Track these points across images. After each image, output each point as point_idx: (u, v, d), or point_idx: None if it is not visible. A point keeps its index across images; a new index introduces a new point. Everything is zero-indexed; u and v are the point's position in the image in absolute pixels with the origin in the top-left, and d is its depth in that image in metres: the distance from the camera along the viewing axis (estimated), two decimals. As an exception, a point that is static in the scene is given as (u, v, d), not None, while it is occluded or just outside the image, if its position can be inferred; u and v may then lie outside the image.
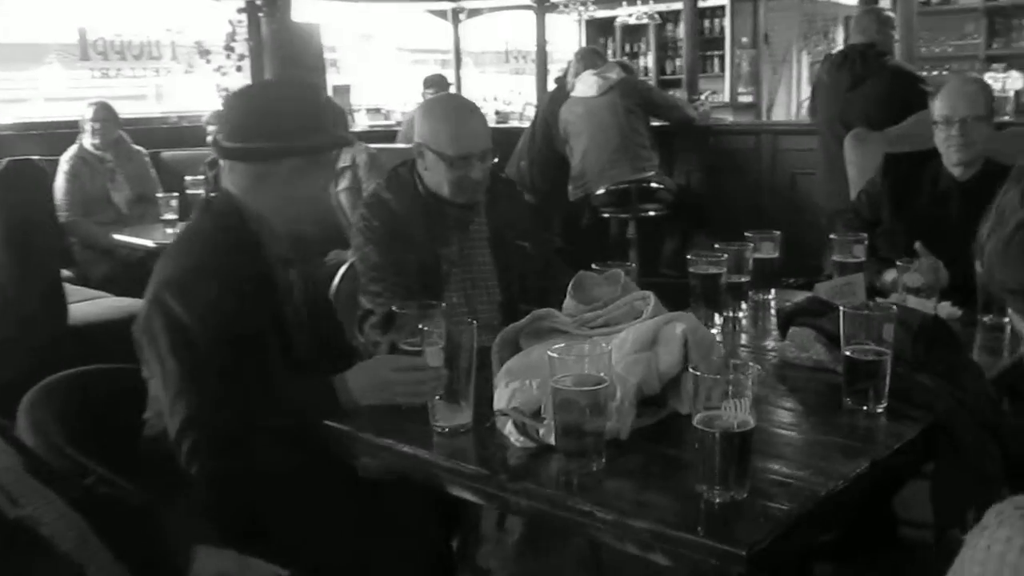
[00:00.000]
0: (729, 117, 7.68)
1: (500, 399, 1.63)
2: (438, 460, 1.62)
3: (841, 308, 1.82)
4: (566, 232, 5.89)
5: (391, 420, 1.77)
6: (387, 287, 2.51)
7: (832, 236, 2.74)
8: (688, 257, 2.41)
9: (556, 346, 1.52)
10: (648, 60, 9.43)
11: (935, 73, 7.46)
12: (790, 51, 8.48)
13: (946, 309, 2.48)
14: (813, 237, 3.56)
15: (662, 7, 8.19)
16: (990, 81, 5.67)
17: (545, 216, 5.99)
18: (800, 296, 2.52)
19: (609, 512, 1.38)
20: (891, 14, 5.14)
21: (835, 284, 2.50)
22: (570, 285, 1.89)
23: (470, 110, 2.60)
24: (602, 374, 1.48)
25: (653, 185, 5.45)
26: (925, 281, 2.51)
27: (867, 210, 3.24)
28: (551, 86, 6.57)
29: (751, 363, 1.52)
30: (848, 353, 1.76)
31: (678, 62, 8.62)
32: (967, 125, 2.97)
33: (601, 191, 5.51)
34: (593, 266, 2.21)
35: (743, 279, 2.50)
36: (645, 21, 7.61)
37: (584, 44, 9.39)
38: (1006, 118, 5.12)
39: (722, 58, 8.73)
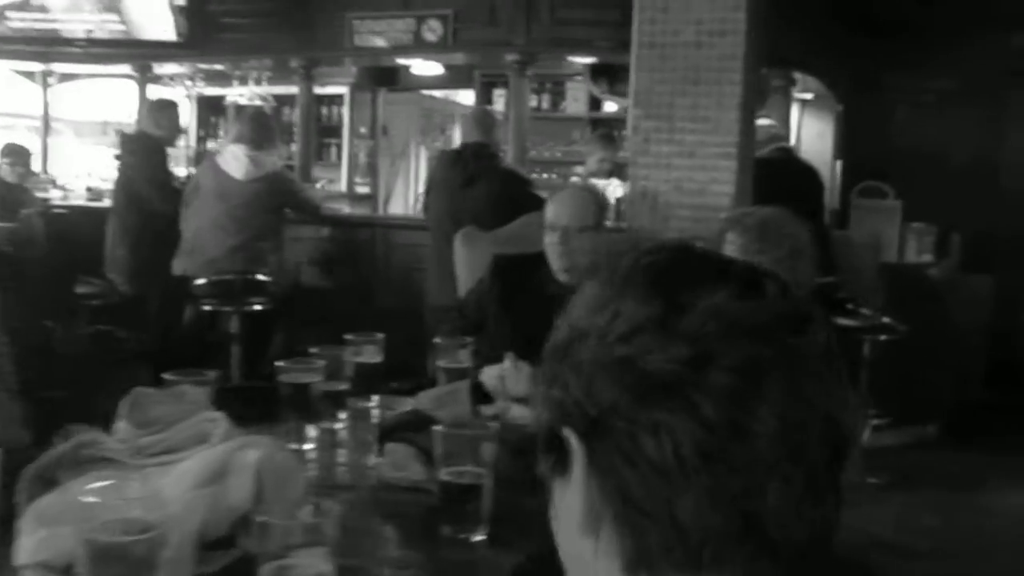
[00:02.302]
0: (346, 208, 7.67)
1: (24, 552, 1.35)
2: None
3: (433, 428, 1.73)
4: (164, 326, 5.52)
5: None
6: None
7: (436, 340, 2.68)
8: (276, 364, 2.24)
9: (96, 485, 1.28)
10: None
11: (544, 176, 7.97)
12: (408, 144, 8.66)
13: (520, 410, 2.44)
14: (428, 335, 3.54)
15: (279, 90, 8.06)
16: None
17: (139, 307, 5.58)
18: (407, 404, 2.39)
19: None
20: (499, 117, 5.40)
21: (439, 393, 2.43)
22: (124, 404, 1.64)
23: None
24: (154, 517, 1.25)
25: (260, 278, 5.22)
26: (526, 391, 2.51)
27: (473, 311, 3.25)
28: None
29: (333, 501, 1.37)
30: (443, 476, 1.67)
31: (293, 147, 8.54)
32: (570, 234, 3.07)
33: (203, 280, 5.20)
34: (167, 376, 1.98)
35: (341, 386, 2.35)
36: (258, 103, 7.45)
37: (195, 121, 9.07)
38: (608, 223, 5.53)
39: (340, 147, 8.73)
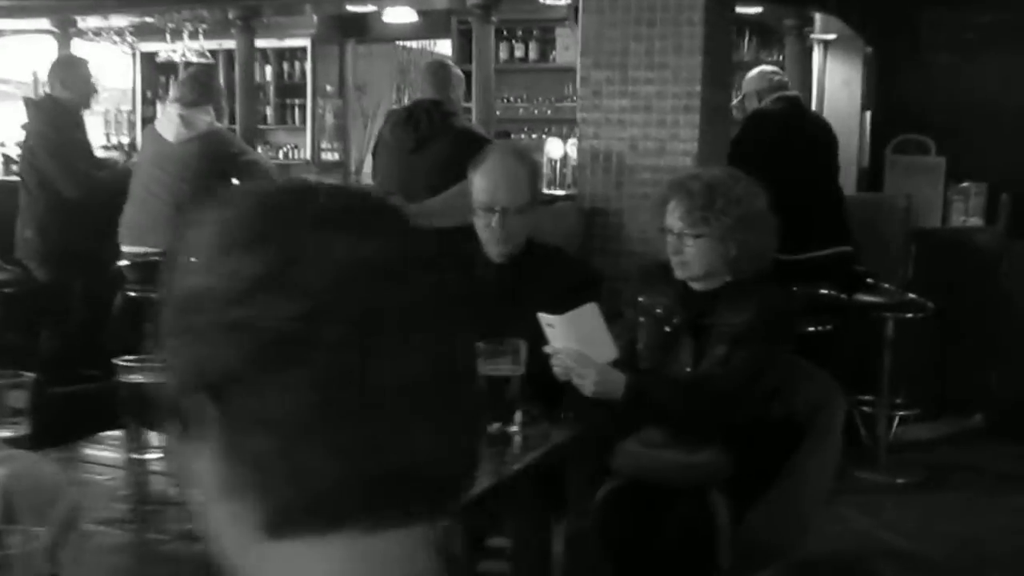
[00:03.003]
0: (312, 177, 7.59)
1: None
2: None
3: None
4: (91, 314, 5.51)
5: None
6: None
7: None
8: (115, 362, 2.17)
9: None
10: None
11: (514, 136, 7.81)
12: (381, 104, 8.52)
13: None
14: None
15: (219, 44, 7.94)
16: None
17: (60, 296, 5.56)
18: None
19: None
20: (459, 71, 5.28)
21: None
22: None
23: None
24: None
25: None
26: None
27: None
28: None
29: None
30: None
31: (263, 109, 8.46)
32: (508, 216, 3.02)
33: (126, 262, 5.13)
34: None
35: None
36: (194, 59, 7.37)
37: (139, 81, 9.02)
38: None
39: (304, 107, 8.66)
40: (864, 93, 7.16)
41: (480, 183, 3.08)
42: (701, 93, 4.24)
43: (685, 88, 4.22)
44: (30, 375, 2.00)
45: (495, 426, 2.47)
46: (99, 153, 6.46)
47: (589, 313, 2.71)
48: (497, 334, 2.91)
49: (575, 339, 2.67)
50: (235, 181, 5.45)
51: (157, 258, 5.04)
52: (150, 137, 5.47)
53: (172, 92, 5.98)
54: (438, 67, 5.14)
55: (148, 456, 2.10)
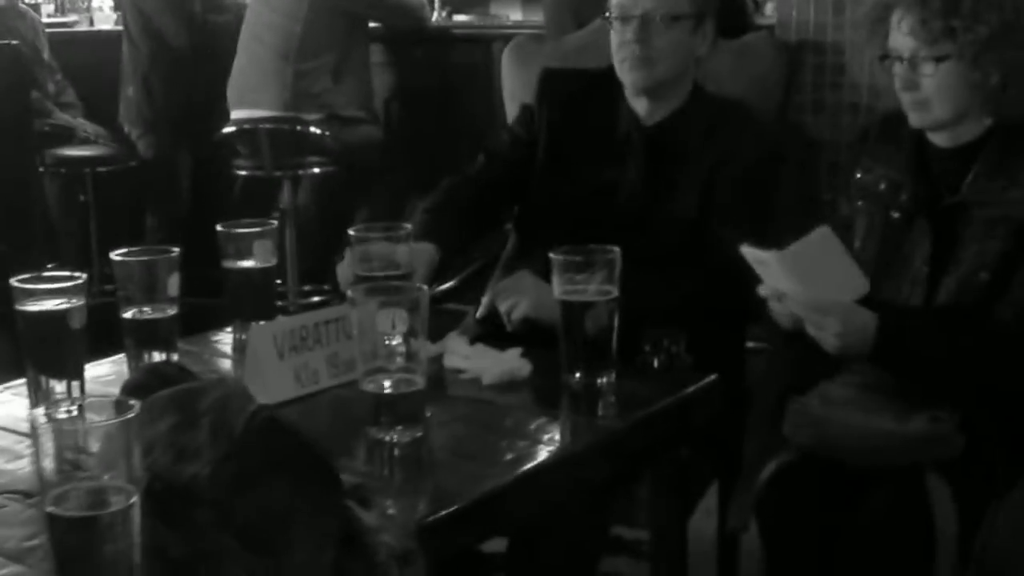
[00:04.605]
0: (517, 15, 6.97)
1: None
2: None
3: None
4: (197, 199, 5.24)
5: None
6: None
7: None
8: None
9: None
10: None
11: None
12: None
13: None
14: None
15: None
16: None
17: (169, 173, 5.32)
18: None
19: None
20: None
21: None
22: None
23: None
24: None
25: (312, 129, 4.55)
26: None
27: (504, 163, 2.83)
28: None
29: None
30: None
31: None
32: (652, 28, 2.52)
33: (230, 129, 4.65)
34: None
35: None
36: None
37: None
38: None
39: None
40: None
41: None
42: None
43: None
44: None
45: (576, 377, 1.95)
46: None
47: (819, 242, 2.14)
48: (637, 230, 2.42)
49: (801, 277, 2.10)
50: (372, 24, 4.99)
51: (267, 125, 4.66)
52: None
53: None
54: None
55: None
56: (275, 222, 2.26)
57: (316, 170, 4.63)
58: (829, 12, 3.42)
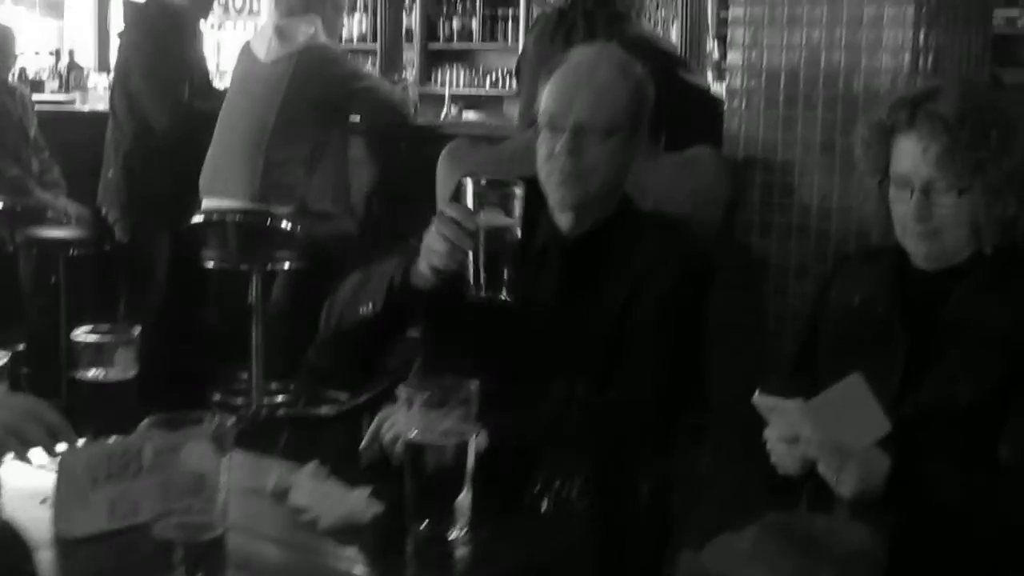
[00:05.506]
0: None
1: None
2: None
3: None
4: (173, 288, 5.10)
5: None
6: None
7: None
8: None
9: None
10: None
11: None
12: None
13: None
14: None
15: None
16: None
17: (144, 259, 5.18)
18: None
19: None
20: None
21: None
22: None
23: None
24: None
25: (283, 223, 4.37)
26: None
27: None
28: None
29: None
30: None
31: (454, 23, 7.79)
32: (584, 140, 2.39)
33: (198, 219, 4.47)
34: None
35: None
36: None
37: None
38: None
39: (517, 21, 7.85)
40: None
41: (551, 88, 2.44)
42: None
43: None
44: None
45: (422, 527, 1.74)
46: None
47: (849, 390, 2.09)
48: (547, 346, 2.36)
49: (824, 424, 2.05)
50: (353, 117, 4.84)
51: (235, 217, 4.49)
52: (242, 56, 4.78)
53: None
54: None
55: None
56: (137, 330, 2.04)
57: (285, 265, 4.40)
58: (779, 129, 3.18)
